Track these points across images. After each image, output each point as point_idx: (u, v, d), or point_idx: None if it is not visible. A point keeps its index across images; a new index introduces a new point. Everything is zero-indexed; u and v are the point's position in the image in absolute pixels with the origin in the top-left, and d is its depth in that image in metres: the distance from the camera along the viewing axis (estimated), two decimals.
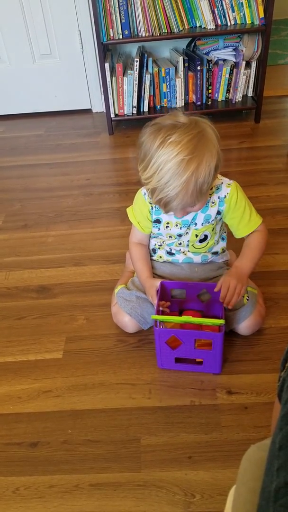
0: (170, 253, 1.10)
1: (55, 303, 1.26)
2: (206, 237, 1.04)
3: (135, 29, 1.95)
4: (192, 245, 1.06)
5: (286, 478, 0.35)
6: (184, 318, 0.96)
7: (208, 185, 0.86)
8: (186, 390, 0.99)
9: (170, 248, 1.09)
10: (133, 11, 1.91)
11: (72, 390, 1.02)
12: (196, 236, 1.04)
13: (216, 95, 2.16)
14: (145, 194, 1.02)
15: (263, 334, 1.09)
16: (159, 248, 1.11)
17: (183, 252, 1.09)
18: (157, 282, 1.04)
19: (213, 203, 0.99)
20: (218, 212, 1.01)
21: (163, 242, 1.08)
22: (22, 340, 1.16)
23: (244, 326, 1.05)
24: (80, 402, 1.00)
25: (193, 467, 0.86)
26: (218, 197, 0.99)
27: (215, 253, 1.11)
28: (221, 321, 0.93)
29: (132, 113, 2.14)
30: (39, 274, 1.38)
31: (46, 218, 1.63)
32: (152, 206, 1.02)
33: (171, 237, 1.05)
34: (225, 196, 0.98)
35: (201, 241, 1.05)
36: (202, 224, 1.01)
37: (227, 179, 1.00)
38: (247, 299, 1.04)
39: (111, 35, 1.95)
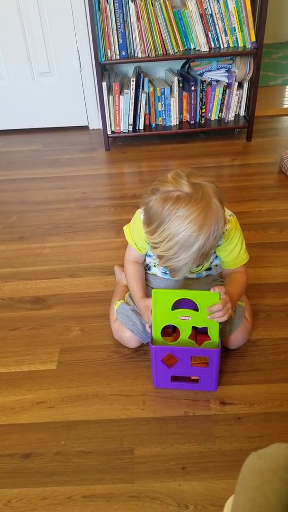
0: (165, 273, 1.10)
1: (50, 314, 1.26)
2: None
3: (132, 50, 2.00)
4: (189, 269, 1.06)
5: None
6: (183, 292, 0.92)
7: (214, 247, 0.88)
8: (180, 401, 0.99)
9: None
10: (130, 33, 1.96)
11: (66, 401, 1.01)
12: None
13: (209, 114, 2.21)
14: (142, 214, 1.02)
15: (255, 345, 1.10)
16: (154, 266, 1.11)
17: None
18: (150, 302, 1.02)
19: None
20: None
21: (158, 264, 1.07)
22: (16, 351, 1.15)
23: (230, 340, 1.05)
24: (74, 413, 0.98)
25: (186, 478, 0.85)
26: None
27: (209, 269, 1.11)
28: (217, 294, 0.87)
29: (128, 130, 2.17)
30: (34, 285, 1.37)
31: (43, 230, 1.64)
32: None
33: None
34: (223, 232, 0.96)
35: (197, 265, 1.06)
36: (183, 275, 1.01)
37: (228, 211, 0.98)
38: (234, 312, 1.04)
39: (109, 55, 1.99)
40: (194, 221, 0.79)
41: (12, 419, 0.98)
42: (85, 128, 2.46)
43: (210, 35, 1.99)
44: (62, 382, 1.05)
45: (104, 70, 2.14)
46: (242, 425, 0.93)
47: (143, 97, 2.09)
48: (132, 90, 2.06)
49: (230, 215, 0.98)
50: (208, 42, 2.00)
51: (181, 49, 2.02)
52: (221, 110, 2.19)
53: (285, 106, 2.60)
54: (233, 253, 1.01)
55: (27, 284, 1.38)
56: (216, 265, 1.13)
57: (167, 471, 0.86)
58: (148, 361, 1.08)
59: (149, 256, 1.10)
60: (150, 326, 0.97)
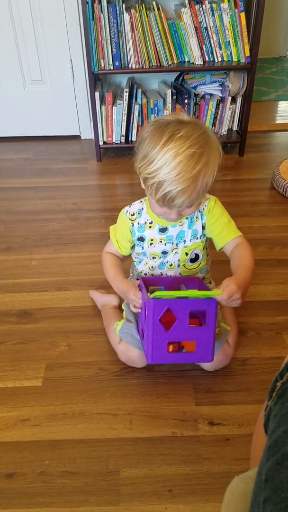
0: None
1: (36, 329, 1.26)
2: (197, 256, 1.06)
3: (126, 61, 2.04)
4: (184, 265, 1.07)
5: (272, 511, 0.35)
6: (183, 292, 0.91)
7: (210, 185, 0.89)
8: (167, 421, 0.99)
9: (161, 273, 1.10)
10: (124, 44, 2.00)
11: (51, 419, 1.01)
12: (186, 254, 1.05)
13: None
14: (127, 212, 1.05)
15: (245, 365, 1.11)
16: (146, 275, 1.12)
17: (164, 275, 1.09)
18: (135, 281, 1.02)
19: (196, 217, 1.01)
20: (203, 227, 1.03)
21: (151, 267, 1.09)
22: (1, 366, 1.15)
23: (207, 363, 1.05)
24: (59, 432, 0.98)
25: (173, 501, 0.85)
26: (199, 211, 1.01)
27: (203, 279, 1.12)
28: (219, 292, 0.87)
29: (120, 142, 2.20)
30: (21, 298, 1.37)
31: (31, 241, 1.64)
32: (132, 224, 1.04)
33: (155, 257, 1.06)
34: (203, 209, 1.01)
35: (192, 260, 1.06)
36: (190, 240, 1.03)
37: (208, 194, 1.02)
38: (217, 333, 1.03)
39: (102, 65, 2.02)
40: (197, 139, 0.83)
41: None
42: (76, 137, 2.48)
43: (204, 48, 2.04)
44: (47, 400, 1.05)
45: (97, 80, 2.17)
46: (230, 447, 0.94)
47: (136, 108, 2.13)
48: (125, 101, 2.09)
49: (209, 195, 1.02)
50: (202, 55, 2.05)
51: (175, 61, 2.07)
52: (214, 124, 2.23)
53: (278, 122, 2.66)
54: (220, 221, 1.00)
55: (13, 297, 1.38)
56: (208, 271, 1.14)
57: (154, 494, 0.86)
58: (137, 378, 1.08)
59: (140, 261, 1.10)
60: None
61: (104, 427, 0.99)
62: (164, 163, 0.83)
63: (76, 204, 1.88)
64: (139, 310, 1.00)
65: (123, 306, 1.19)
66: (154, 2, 1.96)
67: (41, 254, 1.57)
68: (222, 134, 2.24)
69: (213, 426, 0.98)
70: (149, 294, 0.91)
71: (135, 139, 2.21)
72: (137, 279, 1.06)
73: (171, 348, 0.96)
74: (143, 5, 1.95)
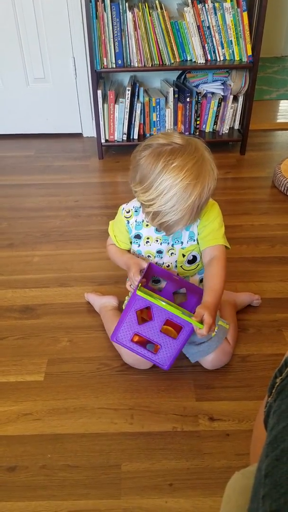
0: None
1: (38, 324, 1.26)
2: (195, 258, 1.06)
3: (128, 59, 2.03)
4: (181, 266, 1.06)
5: (271, 506, 0.35)
6: (168, 307, 0.92)
7: (206, 203, 0.90)
8: (168, 416, 1.00)
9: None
10: (127, 42, 1.99)
11: (53, 413, 1.01)
12: (183, 256, 1.05)
13: (203, 126, 2.25)
14: (123, 209, 1.05)
15: (245, 361, 1.11)
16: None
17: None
18: (144, 262, 1.01)
19: None
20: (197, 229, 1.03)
21: None
22: (3, 361, 1.15)
23: (207, 360, 1.06)
24: (61, 426, 0.99)
25: (173, 495, 0.85)
26: None
27: (201, 280, 1.12)
28: (201, 326, 0.88)
29: (122, 140, 2.20)
30: (23, 294, 1.38)
31: (33, 238, 1.64)
32: (128, 221, 1.04)
33: (150, 256, 1.06)
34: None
35: (189, 262, 1.06)
36: (187, 242, 1.03)
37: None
38: (215, 333, 1.04)
39: (105, 63, 2.02)
40: (191, 170, 0.83)
41: None
42: (78, 135, 2.48)
43: (206, 47, 2.03)
44: (49, 394, 1.06)
45: (99, 78, 2.17)
46: (230, 442, 0.94)
47: (138, 107, 2.12)
48: (128, 99, 2.09)
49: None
50: (204, 54, 2.04)
51: (177, 60, 2.06)
52: (215, 123, 2.23)
53: (279, 121, 2.66)
54: (211, 226, 0.99)
55: (15, 293, 1.38)
56: (202, 281, 1.15)
57: (154, 488, 0.87)
58: (138, 374, 1.09)
59: (133, 251, 1.10)
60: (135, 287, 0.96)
61: (105, 421, 0.99)
62: (159, 194, 0.85)
63: (77, 201, 1.88)
64: (131, 290, 1.00)
65: (123, 307, 1.18)
66: (157, 1, 1.95)
67: (43, 250, 1.57)
68: (223, 132, 2.23)
69: (213, 421, 0.98)
70: (139, 285, 0.94)
71: (137, 138, 2.21)
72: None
73: (136, 338, 0.99)
74: (146, 4, 1.94)
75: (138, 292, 0.92)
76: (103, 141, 2.19)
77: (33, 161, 2.23)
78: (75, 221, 1.74)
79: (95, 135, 2.25)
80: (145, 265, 1.00)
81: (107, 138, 2.20)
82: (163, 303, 0.93)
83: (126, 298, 1.20)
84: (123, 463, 0.91)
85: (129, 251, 1.11)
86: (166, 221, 0.88)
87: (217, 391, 1.04)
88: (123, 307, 1.17)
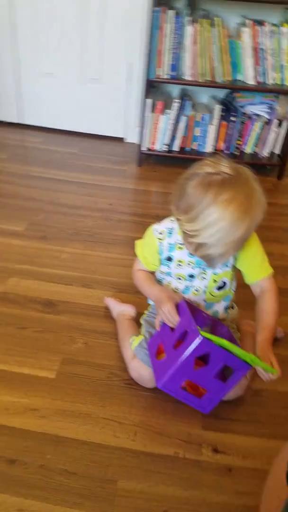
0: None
1: (58, 320, 1.22)
2: (224, 284, 0.99)
3: (181, 72, 1.97)
4: (210, 292, 0.99)
5: None
6: (237, 349, 0.84)
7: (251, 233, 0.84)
8: (172, 440, 0.93)
9: (184, 297, 1.01)
10: (183, 55, 1.92)
11: (59, 414, 0.97)
12: (215, 281, 0.98)
13: (244, 147, 2.16)
14: (155, 230, 0.98)
15: (258, 396, 1.03)
16: (164, 279, 1.04)
17: (197, 304, 1.02)
18: (177, 296, 0.94)
19: None
20: (235, 257, 0.96)
21: (176, 289, 1.01)
22: (21, 351, 1.11)
23: None
24: (64, 428, 0.94)
25: None
26: None
27: (226, 308, 1.05)
28: (275, 371, 0.85)
29: (163, 150, 2.13)
30: (48, 288, 1.33)
31: (65, 234, 1.60)
32: (160, 243, 0.97)
33: (180, 278, 0.99)
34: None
35: (219, 288, 0.99)
36: (221, 268, 0.96)
37: None
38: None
39: (158, 73, 1.96)
40: (241, 204, 0.76)
41: (4, 420, 0.94)
42: (120, 140, 2.42)
43: (259, 69, 1.95)
44: (58, 394, 1.01)
45: (151, 87, 2.10)
46: (232, 478, 0.87)
47: (183, 120, 2.05)
48: (174, 111, 2.02)
49: None
50: (255, 75, 1.96)
51: (228, 79, 1.98)
52: (257, 145, 2.13)
53: None
54: (255, 261, 0.95)
55: (41, 285, 1.34)
56: (232, 305, 1.07)
57: (148, 511, 0.81)
58: (146, 391, 1.02)
59: (161, 279, 1.04)
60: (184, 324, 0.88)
61: (108, 433, 0.94)
62: (206, 226, 0.78)
63: (111, 204, 1.83)
64: (171, 325, 0.92)
65: (141, 321, 1.12)
66: (218, 18, 1.88)
67: (72, 248, 1.53)
68: (263, 156, 2.14)
69: (217, 453, 0.91)
70: (199, 328, 0.84)
71: (177, 150, 2.14)
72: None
73: (188, 387, 0.91)
74: (207, 20, 1.86)
75: (204, 334, 0.82)
76: (144, 148, 2.13)
77: (76, 158, 2.19)
78: (106, 224, 1.69)
79: (136, 141, 2.20)
80: (179, 299, 0.93)
81: (148, 146, 2.14)
82: (238, 347, 0.84)
83: (146, 312, 1.14)
84: (120, 479, 0.86)
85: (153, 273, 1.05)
86: (210, 254, 0.82)
87: (224, 422, 0.97)
88: (141, 322, 1.12)
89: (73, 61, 2.23)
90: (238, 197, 0.77)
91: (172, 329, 0.92)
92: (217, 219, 0.77)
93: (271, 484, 0.60)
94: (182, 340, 0.88)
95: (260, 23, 1.89)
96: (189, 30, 1.87)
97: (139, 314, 1.18)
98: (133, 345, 1.05)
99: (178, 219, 0.86)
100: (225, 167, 0.80)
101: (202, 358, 0.87)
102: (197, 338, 0.82)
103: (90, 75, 2.27)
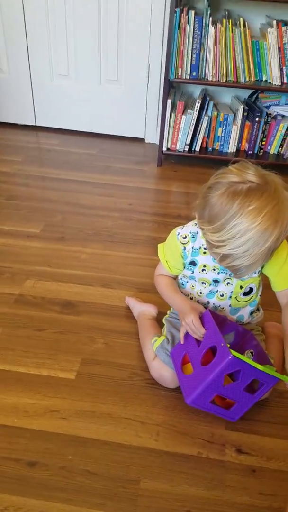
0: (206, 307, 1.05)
1: (77, 321, 1.26)
2: (251, 290, 1.01)
3: (203, 73, 2.01)
4: (236, 297, 1.01)
5: None
6: (268, 370, 0.86)
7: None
8: (195, 440, 0.95)
9: (208, 301, 1.04)
10: (205, 56, 1.97)
11: (80, 415, 1.00)
12: (241, 287, 0.99)
13: (268, 148, 2.18)
14: (178, 234, 0.98)
15: (282, 397, 1.05)
16: (187, 282, 1.06)
17: (222, 308, 1.04)
18: (200, 306, 0.96)
19: None
20: (262, 265, 0.97)
21: (200, 293, 1.03)
22: (39, 353, 1.15)
23: None
24: (85, 429, 0.97)
25: None
26: None
27: (252, 312, 1.07)
28: None
29: (184, 150, 2.17)
30: (67, 289, 1.38)
31: (84, 235, 1.65)
32: (184, 247, 0.98)
33: (204, 283, 1.00)
34: None
35: (245, 293, 1.01)
36: (248, 275, 0.97)
37: None
38: None
39: (179, 74, 2.01)
40: (270, 214, 0.75)
41: (24, 423, 0.97)
42: (140, 140, 2.48)
43: (284, 70, 1.97)
44: (78, 395, 1.04)
45: (171, 87, 2.15)
46: (256, 479, 0.89)
47: (205, 120, 2.09)
48: (196, 111, 2.06)
49: None
50: (281, 76, 1.99)
51: (252, 79, 2.01)
52: (281, 146, 2.15)
53: None
54: (284, 269, 0.94)
55: (60, 286, 1.39)
56: (258, 308, 1.09)
57: None
58: (169, 390, 1.05)
59: (183, 285, 1.06)
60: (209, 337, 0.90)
61: (130, 433, 0.96)
62: (232, 237, 0.77)
63: (131, 204, 1.87)
64: (197, 337, 0.93)
65: (163, 321, 1.14)
66: (241, 19, 1.92)
67: (92, 248, 1.58)
68: (287, 157, 2.16)
69: (240, 454, 0.93)
70: (228, 345, 0.86)
71: (198, 150, 2.17)
72: (205, 307, 1.00)
73: (215, 399, 0.93)
74: (230, 20, 1.91)
75: (234, 354, 0.83)
76: (164, 149, 2.17)
77: (94, 159, 2.25)
78: (126, 224, 1.73)
79: (157, 142, 2.24)
80: (203, 309, 0.95)
81: (168, 146, 2.18)
82: (268, 367, 0.87)
83: (168, 312, 1.16)
84: (142, 479, 0.88)
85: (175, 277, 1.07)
86: (237, 265, 0.81)
87: (249, 423, 0.99)
88: (163, 321, 1.14)
89: (90, 62, 2.30)
90: (266, 207, 0.75)
91: (197, 340, 0.94)
92: (244, 230, 0.76)
93: None
94: (210, 352, 0.90)
95: (286, 23, 1.92)
96: (211, 30, 1.91)
97: (160, 314, 1.21)
98: (154, 346, 1.08)
99: (202, 228, 0.86)
100: (251, 175, 0.78)
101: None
102: (228, 358, 0.83)
103: (109, 76, 2.34)
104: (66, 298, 1.34)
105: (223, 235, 0.78)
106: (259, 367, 0.84)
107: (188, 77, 2.01)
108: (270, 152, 2.19)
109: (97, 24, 2.19)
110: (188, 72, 2.00)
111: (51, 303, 1.32)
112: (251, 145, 2.15)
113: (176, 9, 1.87)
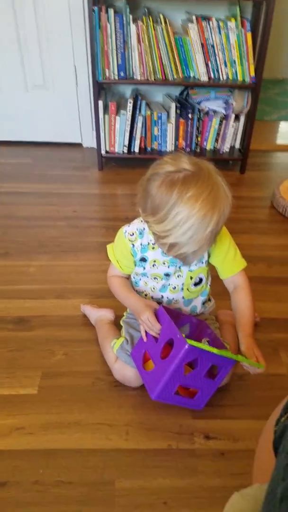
0: (159, 303, 1.12)
1: (33, 336, 1.28)
2: (201, 280, 1.09)
3: (131, 72, 2.10)
4: (187, 289, 1.09)
5: None
6: (223, 352, 0.94)
7: (222, 227, 0.91)
8: (164, 434, 1.03)
9: (162, 296, 1.11)
10: (130, 55, 2.06)
11: (47, 428, 1.03)
12: (191, 278, 1.07)
13: (204, 144, 2.32)
14: (125, 232, 1.04)
15: (242, 380, 1.15)
16: (146, 296, 1.12)
17: (176, 301, 1.12)
18: (154, 303, 1.03)
19: None
20: (208, 254, 1.06)
21: (153, 288, 1.10)
22: None
23: None
24: (54, 441, 1.01)
25: None
26: None
27: (204, 302, 1.16)
28: (262, 366, 0.97)
29: (123, 152, 2.25)
30: (18, 305, 1.40)
31: (29, 248, 1.67)
32: (133, 244, 1.04)
33: (157, 278, 1.07)
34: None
35: (196, 284, 1.09)
36: (196, 264, 1.05)
37: None
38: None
39: (107, 74, 2.08)
40: (207, 199, 0.81)
41: None
42: (78, 145, 2.53)
43: (210, 65, 2.11)
44: (43, 408, 1.08)
45: (101, 88, 2.23)
46: (225, 461, 0.97)
47: (139, 120, 2.19)
48: (129, 111, 2.15)
49: None
50: (207, 71, 2.12)
51: (180, 76, 2.14)
52: (216, 141, 2.31)
53: (279, 142, 2.76)
54: (228, 256, 1.04)
55: (9, 303, 1.40)
56: (209, 298, 1.19)
57: (149, 506, 0.89)
58: (134, 390, 1.11)
59: (137, 283, 1.12)
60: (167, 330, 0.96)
61: (100, 437, 1.02)
62: (175, 225, 0.84)
63: (76, 211, 1.92)
64: (154, 334, 1.01)
65: (121, 323, 1.21)
66: (161, 15, 2.03)
67: (40, 261, 1.61)
68: (224, 151, 2.31)
69: (209, 440, 1.02)
70: (184, 335, 0.93)
71: (137, 151, 2.27)
72: (159, 303, 1.07)
73: (179, 390, 1.01)
74: (150, 17, 2.00)
75: (190, 342, 0.90)
76: (103, 152, 2.24)
77: (30, 169, 2.27)
78: (73, 232, 1.78)
79: (95, 145, 2.30)
80: (157, 306, 1.02)
81: (107, 149, 2.26)
82: (225, 351, 0.95)
83: (125, 313, 1.23)
84: (117, 479, 0.94)
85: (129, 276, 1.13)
86: (184, 252, 0.88)
87: (214, 409, 1.07)
88: (121, 323, 1.21)
89: (13, 69, 2.31)
90: (203, 193, 0.81)
91: (155, 337, 1.02)
92: (186, 218, 0.81)
93: (259, 454, 0.69)
94: (168, 346, 0.98)
95: (206, 18, 2.06)
96: (132, 28, 2.00)
97: (118, 318, 1.27)
98: (114, 348, 1.14)
99: (146, 221, 0.93)
100: (185, 163, 0.84)
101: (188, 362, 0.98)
102: (185, 347, 0.90)
103: (35, 82, 2.37)
104: (18, 315, 1.36)
105: (167, 224, 0.85)
106: (215, 350, 0.93)
107: (116, 77, 2.09)
108: (207, 148, 2.33)
109: (15, 29, 2.21)
110: (116, 72, 2.08)
111: (2, 321, 1.33)
112: (188, 142, 2.28)
113: (94, 8, 1.91)
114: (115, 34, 2.01)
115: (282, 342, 1.28)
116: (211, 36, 2.06)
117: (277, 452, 0.48)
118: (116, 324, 1.27)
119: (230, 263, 1.06)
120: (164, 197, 0.84)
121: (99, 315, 1.30)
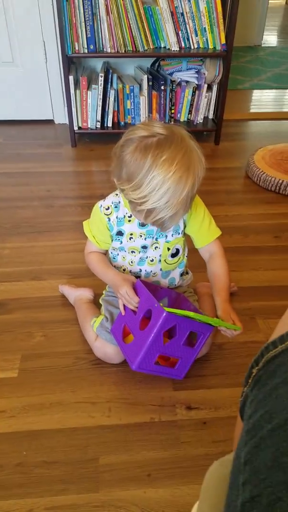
0: (138, 277, 1.09)
1: (10, 319, 1.24)
2: (178, 251, 1.07)
3: (101, 45, 2.00)
4: (165, 260, 1.06)
5: (252, 492, 0.36)
6: (200, 316, 0.92)
7: (196, 188, 0.88)
8: (146, 407, 1.01)
9: (140, 269, 1.08)
10: (99, 27, 1.96)
11: (28, 410, 1.01)
12: (168, 249, 1.05)
13: (178, 115, 2.25)
14: (101, 206, 1.01)
15: (220, 349, 1.14)
16: (125, 271, 1.10)
17: (154, 274, 1.09)
18: (132, 277, 1.01)
19: None
20: (184, 224, 1.03)
21: (131, 262, 1.07)
22: None
23: None
24: (36, 422, 0.98)
25: (152, 485, 0.87)
26: None
27: (181, 274, 1.13)
28: (239, 328, 0.95)
29: (96, 127, 2.17)
30: None
31: (2, 230, 1.61)
32: (109, 218, 1.01)
33: (134, 251, 1.05)
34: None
35: (173, 255, 1.07)
36: (172, 235, 1.03)
37: None
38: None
39: (76, 48, 1.98)
40: (181, 162, 0.80)
41: None
42: (50, 122, 2.43)
43: (180, 34, 2.03)
44: (23, 391, 1.05)
45: (71, 63, 2.12)
46: (207, 430, 0.96)
47: (111, 94, 2.10)
48: (101, 85, 2.06)
49: None
50: (178, 41, 2.04)
51: (151, 47, 2.05)
52: (190, 112, 2.23)
53: (252, 111, 2.69)
54: (203, 225, 1.03)
55: None
56: (187, 271, 1.16)
57: (133, 479, 0.88)
58: (114, 366, 1.09)
59: (114, 259, 1.09)
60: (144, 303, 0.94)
61: (82, 415, 0.99)
62: (152, 190, 0.82)
63: (50, 191, 1.85)
64: (132, 307, 0.98)
65: (100, 301, 1.17)
66: None
67: (14, 242, 1.54)
68: (198, 122, 2.25)
69: (190, 410, 1.00)
70: (161, 304, 0.90)
71: (111, 125, 2.18)
72: (137, 277, 1.04)
73: (159, 360, 0.98)
74: None
75: (168, 310, 0.88)
76: (76, 128, 2.15)
77: (2, 148, 2.17)
78: (47, 212, 1.71)
79: (67, 122, 2.21)
80: (134, 279, 0.99)
81: (80, 125, 2.17)
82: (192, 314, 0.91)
83: (104, 292, 1.19)
84: (101, 456, 0.92)
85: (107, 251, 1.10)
86: (161, 218, 0.86)
87: (194, 380, 1.06)
88: (100, 302, 1.17)
89: None
90: (177, 156, 0.80)
91: (133, 311, 0.99)
92: (161, 182, 0.80)
93: (238, 422, 0.69)
94: (147, 318, 0.95)
95: None
96: None
97: (97, 296, 1.24)
98: (94, 327, 1.11)
99: (122, 190, 0.89)
100: (158, 128, 0.83)
101: (166, 331, 0.95)
102: (163, 315, 0.88)
103: (3, 59, 2.24)
104: None
105: (143, 190, 0.82)
106: (191, 314, 0.90)
107: (86, 51, 1.99)
108: (181, 120, 2.26)
109: None
110: (85, 46, 1.98)
111: None
112: (162, 115, 2.21)
113: None
114: (83, 6, 1.90)
115: (259, 310, 1.26)
116: (181, 4, 1.97)
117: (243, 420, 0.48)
118: (95, 303, 1.23)
119: (205, 232, 1.04)
120: (139, 162, 0.82)
121: (78, 294, 1.26)
